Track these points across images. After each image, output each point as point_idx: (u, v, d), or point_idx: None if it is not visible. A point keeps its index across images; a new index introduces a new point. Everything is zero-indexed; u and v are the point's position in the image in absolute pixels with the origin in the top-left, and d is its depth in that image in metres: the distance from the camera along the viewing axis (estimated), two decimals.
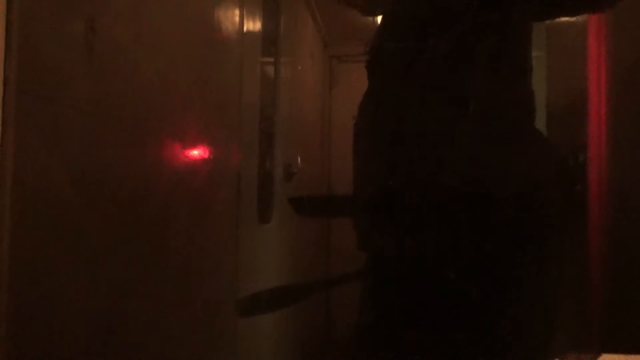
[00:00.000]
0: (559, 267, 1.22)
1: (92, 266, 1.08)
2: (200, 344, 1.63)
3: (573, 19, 1.93)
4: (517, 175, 1.18)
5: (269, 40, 2.52)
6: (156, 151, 1.40)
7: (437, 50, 1.19)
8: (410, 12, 1.28)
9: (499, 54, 1.19)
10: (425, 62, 1.21)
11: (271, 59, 2.61)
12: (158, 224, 1.37)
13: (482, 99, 1.18)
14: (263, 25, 2.34)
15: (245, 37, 2.06)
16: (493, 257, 1.17)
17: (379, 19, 1.46)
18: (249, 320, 2.03)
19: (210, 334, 1.72)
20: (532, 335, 1.20)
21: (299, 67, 3.09)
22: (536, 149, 1.23)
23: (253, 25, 2.20)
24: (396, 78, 1.26)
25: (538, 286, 1.20)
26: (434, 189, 1.19)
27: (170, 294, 1.43)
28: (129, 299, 1.22)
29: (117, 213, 1.18)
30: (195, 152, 1.63)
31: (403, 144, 1.23)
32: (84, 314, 1.06)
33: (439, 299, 1.18)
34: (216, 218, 1.81)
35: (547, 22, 1.84)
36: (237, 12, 1.98)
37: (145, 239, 1.31)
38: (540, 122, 1.40)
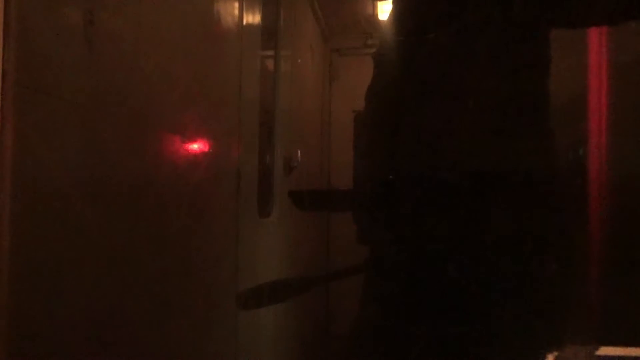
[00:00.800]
0: (558, 261, 1.22)
1: (91, 261, 1.08)
2: (201, 338, 1.64)
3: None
4: (517, 169, 1.18)
5: (269, 33, 2.52)
6: (156, 145, 1.39)
7: (437, 45, 1.19)
8: (414, 5, 1.28)
9: (501, 49, 1.19)
10: (426, 55, 1.21)
11: (271, 53, 2.61)
12: (158, 219, 1.37)
13: (482, 93, 1.17)
14: (263, 18, 2.33)
15: (244, 30, 2.06)
16: (492, 251, 1.17)
17: (379, 8, 1.46)
18: (249, 315, 2.03)
19: (210, 329, 1.72)
20: (531, 328, 1.20)
21: (299, 61, 3.08)
22: (537, 144, 1.23)
23: (253, 18, 2.19)
24: (398, 70, 1.26)
25: (537, 280, 1.20)
26: (434, 183, 1.19)
27: (171, 288, 1.43)
28: (129, 295, 1.22)
29: (117, 208, 1.18)
30: (195, 146, 1.63)
31: (403, 137, 1.23)
32: (83, 311, 1.06)
33: (439, 293, 1.18)
34: (216, 212, 1.81)
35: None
36: (236, 5, 1.98)
37: (145, 234, 1.31)
38: None
